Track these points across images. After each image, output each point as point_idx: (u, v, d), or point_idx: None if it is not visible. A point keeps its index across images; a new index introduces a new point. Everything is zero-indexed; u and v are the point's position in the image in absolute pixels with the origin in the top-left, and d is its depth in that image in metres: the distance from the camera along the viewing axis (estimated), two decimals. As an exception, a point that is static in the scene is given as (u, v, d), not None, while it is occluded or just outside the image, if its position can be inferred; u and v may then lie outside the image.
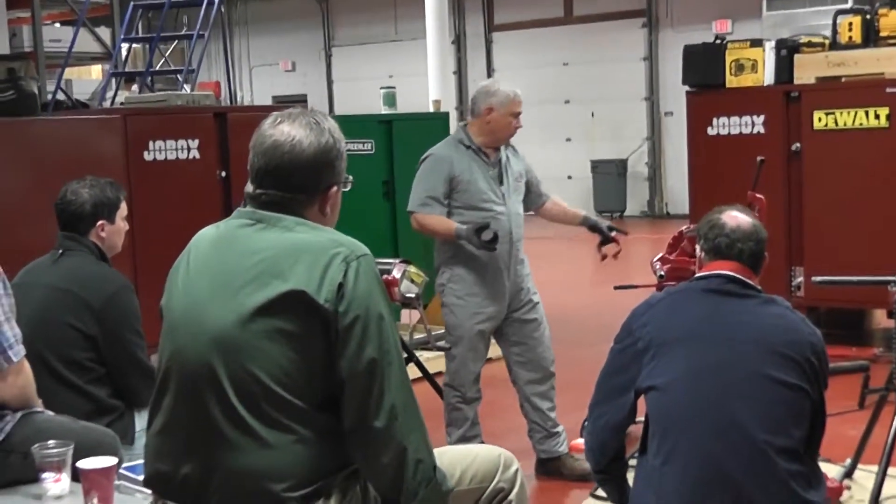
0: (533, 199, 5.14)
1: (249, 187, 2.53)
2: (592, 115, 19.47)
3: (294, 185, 2.48)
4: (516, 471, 2.83)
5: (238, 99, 18.53)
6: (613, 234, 5.09)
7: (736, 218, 3.10)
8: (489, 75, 21.04)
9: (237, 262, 2.46)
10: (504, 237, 4.76)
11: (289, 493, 2.35)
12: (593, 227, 5.14)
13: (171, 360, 2.50)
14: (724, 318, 2.98)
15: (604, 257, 5.11)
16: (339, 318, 2.36)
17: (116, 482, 2.91)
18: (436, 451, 2.52)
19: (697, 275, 3.13)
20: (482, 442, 4.70)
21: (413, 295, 5.12)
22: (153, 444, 2.54)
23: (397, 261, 4.65)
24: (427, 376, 5.07)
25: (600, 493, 4.46)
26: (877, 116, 7.18)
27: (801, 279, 7.45)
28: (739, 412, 2.83)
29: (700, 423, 2.85)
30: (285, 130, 2.48)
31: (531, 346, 4.98)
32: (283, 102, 19.64)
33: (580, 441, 5.14)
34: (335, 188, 2.55)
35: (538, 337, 4.99)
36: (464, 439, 4.89)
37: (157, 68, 10.66)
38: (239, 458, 2.37)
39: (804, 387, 2.88)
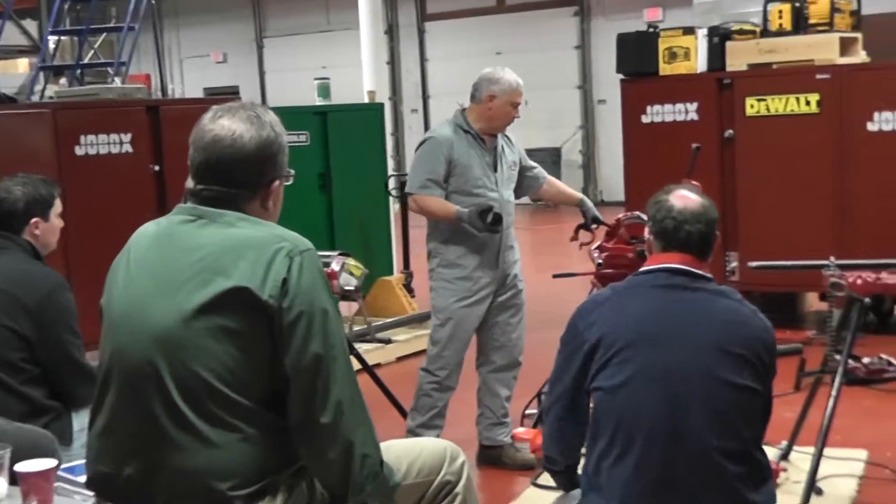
0: (530, 182, 5.23)
1: (190, 183, 2.49)
2: (526, 103, 19.25)
3: (236, 180, 2.45)
4: (462, 463, 2.82)
5: (169, 91, 18.29)
6: (593, 226, 5.24)
7: (684, 198, 2.97)
8: (422, 65, 21.04)
9: (179, 258, 2.42)
10: None
11: (234, 492, 2.32)
12: (583, 213, 5.29)
13: (112, 359, 2.45)
14: (674, 316, 2.89)
15: (574, 239, 5.27)
16: (284, 313, 2.33)
17: (55, 484, 2.86)
18: (382, 444, 2.50)
19: (643, 268, 3.03)
20: (439, 436, 4.68)
21: (352, 287, 5.10)
22: (95, 445, 2.49)
23: (336, 253, 4.63)
24: (367, 368, 5.06)
25: (541, 481, 4.48)
26: (807, 102, 7.29)
27: (735, 264, 7.55)
28: (691, 416, 2.78)
29: (651, 426, 2.79)
30: (226, 125, 2.44)
31: (506, 331, 5.02)
32: (215, 94, 19.45)
33: (521, 430, 5.18)
34: (277, 182, 2.52)
35: (515, 323, 5.03)
36: (424, 427, 4.89)
37: (87, 61, 10.49)
38: (183, 458, 2.33)
39: (756, 387, 2.85)
